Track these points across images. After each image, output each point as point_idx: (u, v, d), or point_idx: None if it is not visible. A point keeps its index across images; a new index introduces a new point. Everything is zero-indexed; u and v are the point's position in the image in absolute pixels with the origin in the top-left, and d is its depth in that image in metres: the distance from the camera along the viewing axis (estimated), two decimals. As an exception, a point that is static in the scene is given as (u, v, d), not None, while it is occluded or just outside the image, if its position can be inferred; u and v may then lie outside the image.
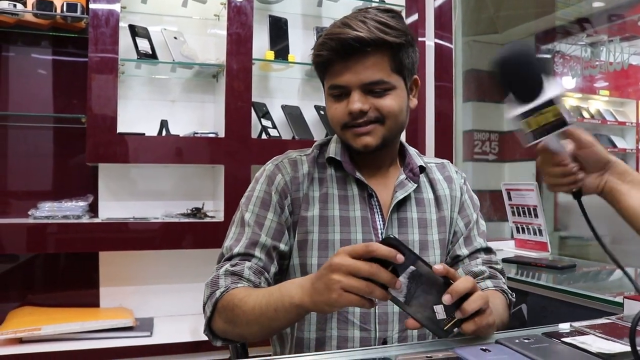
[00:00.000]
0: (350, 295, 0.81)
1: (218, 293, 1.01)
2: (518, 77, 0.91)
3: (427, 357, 0.80)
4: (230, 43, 2.07)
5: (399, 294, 0.83)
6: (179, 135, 2.11)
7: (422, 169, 1.21)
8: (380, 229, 1.14)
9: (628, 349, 0.80)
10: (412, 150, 1.24)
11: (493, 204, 3.03)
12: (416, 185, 1.17)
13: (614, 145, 5.51)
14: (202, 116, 2.29)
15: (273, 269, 1.11)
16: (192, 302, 2.21)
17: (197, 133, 2.09)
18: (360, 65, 1.06)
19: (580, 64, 4.88)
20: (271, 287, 1.00)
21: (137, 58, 2.06)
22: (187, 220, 2.08)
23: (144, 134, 2.03)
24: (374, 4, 2.44)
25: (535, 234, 2.13)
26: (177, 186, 2.24)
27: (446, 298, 0.83)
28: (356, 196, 1.15)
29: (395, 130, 1.13)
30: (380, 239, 1.09)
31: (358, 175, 1.14)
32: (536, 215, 2.10)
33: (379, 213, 1.15)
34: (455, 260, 1.21)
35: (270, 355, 1.25)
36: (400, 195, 1.14)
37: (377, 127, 1.09)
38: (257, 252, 1.08)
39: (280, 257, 1.13)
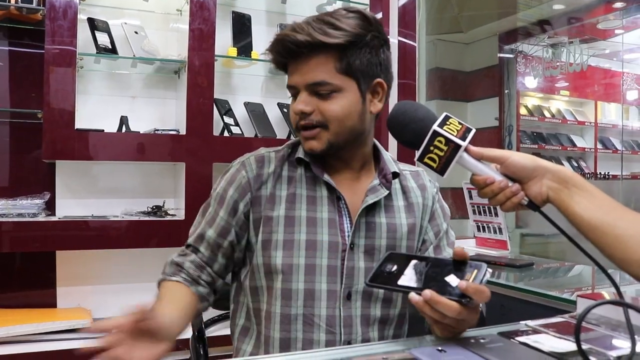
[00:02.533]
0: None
1: (160, 277, 1.12)
2: (401, 129, 0.97)
3: (383, 358, 0.81)
4: (193, 39, 2.04)
5: (411, 282, 0.88)
6: (139, 132, 2.06)
7: (396, 175, 1.19)
8: (348, 232, 1.13)
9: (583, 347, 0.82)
10: (387, 156, 1.22)
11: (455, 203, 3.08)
12: (388, 191, 1.16)
13: (574, 145, 5.66)
14: (163, 112, 2.25)
15: (217, 265, 1.14)
16: (150, 301, 2.19)
17: (157, 130, 2.05)
18: (305, 66, 1.07)
19: (542, 64, 5.00)
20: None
21: (97, 52, 2.01)
22: (147, 218, 2.05)
23: (103, 130, 1.98)
24: (338, 2, 2.44)
25: (495, 232, 2.17)
26: (138, 184, 2.20)
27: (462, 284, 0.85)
28: (325, 198, 1.14)
29: (343, 135, 1.10)
30: (347, 241, 1.11)
31: (326, 177, 1.13)
32: (496, 214, 2.14)
33: (347, 216, 1.14)
34: None
35: (231, 354, 1.25)
36: (370, 200, 1.13)
37: (321, 131, 1.09)
38: (202, 248, 1.14)
39: (225, 255, 1.15)
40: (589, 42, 5.02)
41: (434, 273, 0.90)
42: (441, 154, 0.93)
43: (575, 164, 5.66)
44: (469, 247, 2.26)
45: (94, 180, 2.14)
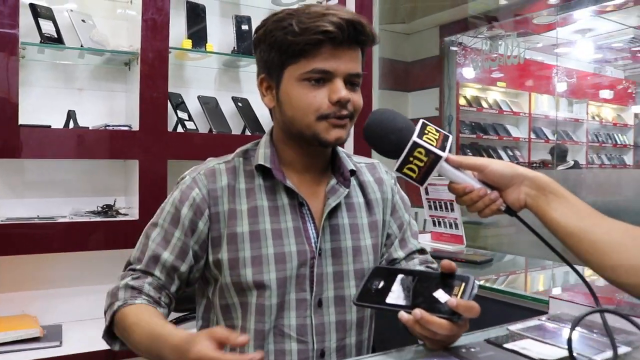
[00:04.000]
0: None
1: (116, 305, 1.03)
2: (379, 139, 0.96)
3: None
4: (146, 29, 1.94)
5: (399, 300, 0.87)
6: (88, 128, 1.95)
7: (353, 172, 1.16)
8: (314, 238, 1.09)
9: (565, 353, 0.84)
10: (342, 153, 1.19)
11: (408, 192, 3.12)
12: (347, 190, 1.13)
13: (509, 135, 5.88)
14: (112, 106, 2.14)
15: (174, 287, 1.09)
16: (103, 304, 2.09)
17: (108, 125, 1.94)
18: (347, 54, 1.02)
19: (481, 56, 5.14)
20: (151, 329, 0.95)
21: (41, 42, 1.87)
22: (98, 219, 1.94)
23: (49, 126, 1.85)
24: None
25: (451, 227, 2.21)
26: (85, 182, 2.09)
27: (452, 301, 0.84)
28: (286, 206, 1.09)
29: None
30: (314, 248, 1.08)
31: (289, 183, 1.08)
32: (452, 210, 2.18)
33: (311, 221, 1.10)
34: (391, 263, 1.20)
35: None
36: (333, 203, 1.10)
37: (348, 122, 1.06)
38: (157, 271, 1.07)
39: (181, 277, 1.09)
40: (525, 36, 5.21)
41: (422, 288, 0.89)
42: (421, 164, 0.92)
43: (511, 153, 5.88)
44: (425, 241, 2.29)
45: (37, 179, 2.01)
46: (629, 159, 6.79)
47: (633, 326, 0.87)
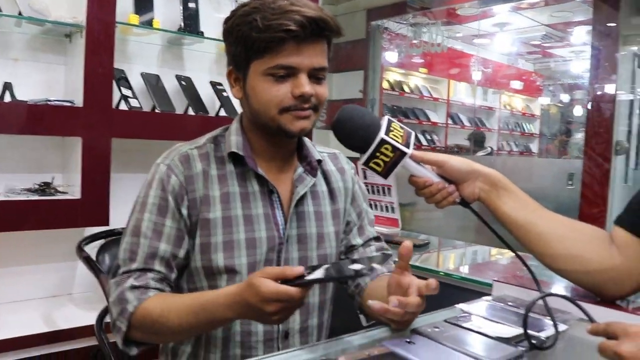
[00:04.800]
0: (284, 316, 0.87)
1: (131, 308, 1.01)
2: (349, 134, 1.01)
3: (367, 354, 0.87)
4: (92, 2, 1.86)
5: (315, 275, 0.89)
6: (27, 102, 1.85)
7: (319, 162, 1.21)
8: (281, 225, 1.14)
9: (517, 331, 0.95)
10: (308, 142, 1.24)
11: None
12: (314, 179, 1.19)
13: (429, 119, 6.12)
14: (51, 79, 2.04)
15: (173, 275, 1.10)
16: (38, 284, 2.03)
17: (50, 100, 1.86)
18: (312, 49, 1.04)
19: (406, 42, 5.29)
20: (191, 303, 0.98)
21: (-26, 8, 1.75)
22: (38, 197, 1.87)
23: (-14, 99, 1.75)
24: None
25: (387, 210, 2.31)
26: (19, 158, 1.99)
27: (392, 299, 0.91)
28: (257, 193, 1.13)
29: (318, 118, 1.13)
30: (282, 234, 1.13)
31: (260, 171, 1.12)
32: (389, 194, 2.28)
33: (279, 208, 1.15)
34: (350, 249, 1.27)
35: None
36: (301, 191, 1.15)
37: (312, 113, 1.09)
38: (157, 266, 1.07)
39: (179, 265, 1.11)
40: (448, 25, 5.42)
41: (336, 265, 0.96)
42: (387, 159, 1.00)
43: (429, 137, 6.14)
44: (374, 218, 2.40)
45: (-33, 153, 1.90)
46: (534, 146, 7.29)
47: (566, 307, 0.99)
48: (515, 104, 7.22)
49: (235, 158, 1.13)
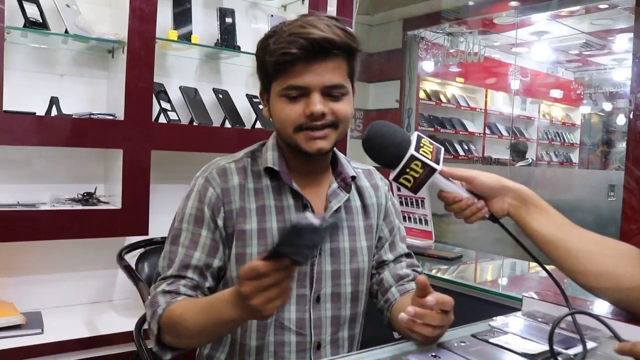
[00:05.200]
0: (277, 302, 0.85)
1: (160, 310, 1.05)
2: (379, 151, 1.03)
3: (392, 367, 0.89)
4: (133, 19, 1.94)
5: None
6: (72, 116, 1.94)
7: (353, 178, 1.24)
8: None
9: (544, 348, 0.95)
10: (343, 158, 1.26)
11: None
12: (348, 195, 1.21)
13: (466, 129, 6.08)
14: (94, 93, 2.13)
15: (207, 284, 1.13)
16: (81, 291, 2.11)
17: (93, 114, 1.94)
18: (322, 67, 1.06)
19: (442, 51, 5.28)
20: (202, 302, 1.02)
21: (25, 26, 1.84)
22: (80, 207, 1.95)
23: (34, 113, 1.84)
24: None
25: (421, 222, 2.31)
26: (65, 169, 2.08)
27: (430, 299, 0.93)
28: (291, 207, 1.16)
29: (343, 135, 1.15)
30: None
31: (295, 186, 1.15)
32: (423, 206, 2.28)
33: None
34: (381, 265, 1.28)
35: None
36: (334, 206, 1.18)
37: (331, 131, 1.10)
38: (190, 274, 1.11)
39: (213, 274, 1.14)
40: (484, 34, 5.39)
41: None
42: (416, 175, 1.01)
43: (466, 147, 6.09)
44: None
45: (17, 165, 1.99)
46: (575, 156, 7.14)
47: (597, 324, 0.99)
48: (555, 113, 7.10)
49: (271, 173, 1.16)
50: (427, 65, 5.39)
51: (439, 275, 1.79)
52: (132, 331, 1.37)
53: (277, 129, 1.14)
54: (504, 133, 6.30)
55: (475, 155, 6.11)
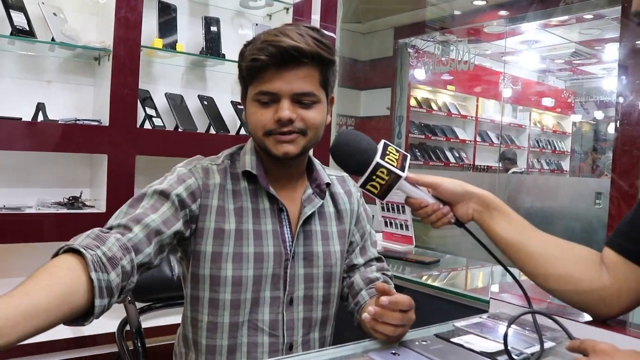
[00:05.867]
0: None
1: (64, 248, 0.90)
2: (346, 159, 1.06)
3: (351, 364, 0.92)
4: (118, 27, 1.98)
5: None
6: (58, 122, 1.98)
7: (328, 184, 1.26)
8: (289, 242, 1.19)
9: (502, 347, 0.99)
10: (318, 165, 1.29)
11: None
12: (322, 201, 1.24)
13: (456, 137, 6.12)
14: (81, 100, 2.17)
15: (147, 250, 1.01)
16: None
17: (79, 120, 1.98)
18: (293, 75, 1.09)
19: (433, 59, 5.33)
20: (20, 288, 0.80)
21: (12, 34, 1.88)
22: (65, 210, 1.98)
23: (20, 118, 1.88)
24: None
25: (401, 228, 2.36)
26: (51, 173, 2.12)
27: (384, 299, 0.96)
28: (267, 210, 1.19)
29: (313, 142, 1.17)
30: (289, 251, 1.18)
31: (272, 190, 1.18)
32: (404, 212, 2.33)
33: (287, 226, 1.20)
34: (352, 268, 1.32)
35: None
36: (308, 211, 1.21)
37: (299, 137, 1.13)
38: (136, 228, 1.01)
39: (158, 244, 1.05)
40: (475, 43, 5.44)
41: None
42: (382, 182, 1.04)
43: (457, 155, 6.14)
44: (377, 240, 2.44)
45: (3, 169, 2.03)
46: (566, 164, 7.20)
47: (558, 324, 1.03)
48: (546, 121, 7.16)
49: (249, 176, 1.19)
50: (418, 73, 5.44)
51: (411, 278, 1.82)
52: (115, 332, 1.39)
53: (250, 131, 1.17)
54: (495, 141, 6.35)
55: (466, 163, 6.16)
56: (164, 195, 1.09)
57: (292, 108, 1.10)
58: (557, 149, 7.15)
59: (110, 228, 1.02)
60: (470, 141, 6.21)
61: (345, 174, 1.36)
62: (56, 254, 0.90)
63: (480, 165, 6.11)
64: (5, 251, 1.99)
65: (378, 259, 1.36)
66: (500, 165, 5.85)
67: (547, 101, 6.88)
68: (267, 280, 1.16)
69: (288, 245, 1.19)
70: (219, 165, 1.20)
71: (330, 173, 1.32)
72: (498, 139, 6.33)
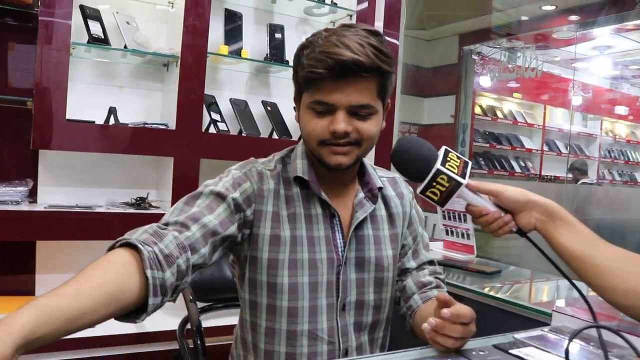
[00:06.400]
0: None
1: (122, 240, 0.92)
2: (406, 165, 1.05)
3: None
4: (187, 34, 2.06)
5: None
6: (128, 125, 2.07)
7: (380, 188, 1.25)
8: (341, 247, 1.19)
9: (564, 361, 0.95)
10: (369, 168, 1.27)
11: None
12: (374, 205, 1.22)
13: (522, 146, 5.95)
14: (150, 104, 2.26)
15: (203, 250, 1.01)
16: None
17: (147, 123, 2.07)
18: (351, 87, 1.06)
19: (499, 67, 5.20)
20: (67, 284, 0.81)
21: (88, 42, 2.00)
22: (132, 210, 2.07)
23: (93, 121, 1.98)
24: (326, 6, 2.50)
25: (463, 237, 2.32)
26: (120, 175, 2.22)
27: (445, 311, 0.95)
28: (320, 215, 1.18)
29: (367, 151, 1.16)
30: (341, 256, 1.17)
31: (324, 196, 1.17)
32: (465, 220, 2.28)
33: (340, 231, 1.19)
34: (404, 272, 1.30)
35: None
36: (360, 216, 1.19)
37: (354, 148, 1.11)
38: (194, 227, 1.01)
39: (214, 244, 1.05)
40: (543, 49, 5.28)
41: None
42: (443, 189, 1.03)
43: (523, 164, 5.96)
44: (437, 249, 2.40)
45: (76, 169, 2.14)
46: (640, 176, 6.85)
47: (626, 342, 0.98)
48: (619, 130, 6.83)
49: (300, 181, 1.18)
50: (483, 81, 5.33)
51: (470, 287, 1.78)
52: (176, 330, 1.43)
53: (303, 137, 1.17)
54: (563, 150, 6.12)
55: (532, 173, 5.97)
56: (220, 196, 1.09)
57: (347, 120, 1.08)
58: (631, 159, 6.81)
59: (167, 224, 1.01)
60: (537, 150, 6.01)
61: (397, 175, 1.34)
62: (112, 247, 0.92)
63: (547, 176, 5.90)
64: (77, 247, 2.10)
65: (431, 262, 1.34)
66: (570, 176, 5.63)
67: (621, 109, 6.57)
68: (322, 287, 1.16)
69: (340, 251, 1.18)
70: (272, 171, 1.19)
71: (381, 175, 1.30)
72: (566, 148, 6.10)
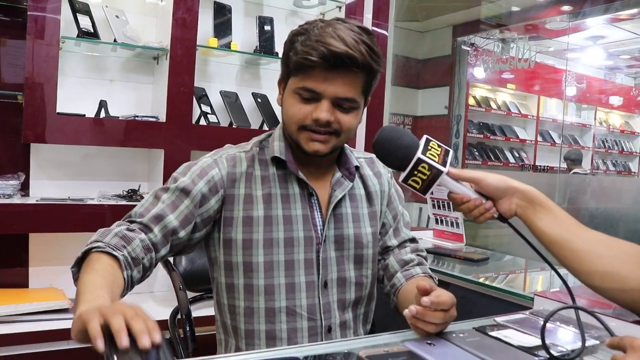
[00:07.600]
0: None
1: (96, 245, 1.01)
2: (388, 154, 1.06)
3: (384, 351, 0.93)
4: (176, 27, 2.07)
5: None
6: (118, 118, 2.09)
7: (357, 168, 1.28)
8: (319, 226, 1.21)
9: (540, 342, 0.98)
10: (347, 149, 1.30)
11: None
12: (352, 184, 1.25)
13: (516, 136, 5.96)
14: (140, 97, 2.28)
15: (163, 251, 1.12)
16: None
17: (137, 116, 2.09)
18: (340, 79, 1.09)
19: (492, 57, 5.22)
20: (86, 283, 0.92)
21: (78, 36, 2.01)
22: (124, 202, 2.09)
23: (84, 115, 2.00)
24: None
25: (452, 225, 2.34)
26: (112, 167, 2.24)
27: (425, 300, 0.97)
28: (297, 195, 1.20)
29: (344, 142, 1.21)
30: (320, 235, 1.20)
31: (301, 175, 1.20)
32: (454, 209, 2.30)
33: (318, 210, 1.22)
34: (385, 250, 1.33)
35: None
36: (339, 195, 1.22)
37: (332, 137, 1.15)
38: (156, 229, 1.10)
39: (174, 244, 1.13)
40: (536, 40, 5.30)
41: None
42: (424, 177, 1.04)
43: (517, 155, 5.98)
44: (427, 238, 2.43)
45: (68, 162, 2.15)
46: (634, 166, 6.87)
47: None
48: (613, 120, 6.86)
49: (277, 162, 1.21)
50: (477, 72, 5.34)
51: (458, 274, 1.81)
52: (167, 320, 1.46)
53: (284, 121, 1.19)
54: (557, 140, 6.14)
55: (527, 163, 5.99)
56: (185, 192, 1.14)
57: (331, 110, 1.12)
58: (625, 149, 6.84)
59: (133, 222, 1.12)
60: (531, 141, 6.03)
61: (373, 155, 1.36)
62: (89, 250, 1.02)
63: (541, 166, 5.92)
64: (70, 239, 2.12)
65: (412, 240, 1.36)
66: (565, 166, 5.66)
67: (614, 99, 6.59)
68: (299, 265, 1.18)
69: (319, 229, 1.21)
70: (247, 153, 1.22)
71: (358, 155, 1.33)
72: (560, 138, 6.12)
